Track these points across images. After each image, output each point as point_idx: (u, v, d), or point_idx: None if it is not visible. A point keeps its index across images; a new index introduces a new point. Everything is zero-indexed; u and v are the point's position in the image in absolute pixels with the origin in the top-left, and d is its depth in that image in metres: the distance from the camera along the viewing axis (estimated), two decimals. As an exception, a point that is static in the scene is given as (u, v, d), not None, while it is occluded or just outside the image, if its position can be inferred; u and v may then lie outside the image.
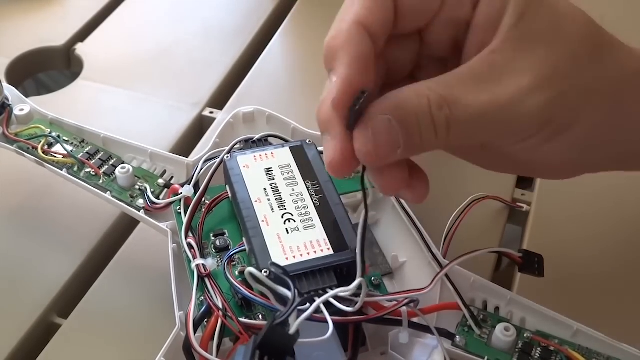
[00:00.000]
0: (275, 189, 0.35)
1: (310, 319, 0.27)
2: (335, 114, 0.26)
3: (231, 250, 0.34)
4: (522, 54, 0.26)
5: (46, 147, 0.41)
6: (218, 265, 0.34)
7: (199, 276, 0.33)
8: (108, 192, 0.39)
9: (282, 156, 0.37)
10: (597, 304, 0.39)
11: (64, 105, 0.52)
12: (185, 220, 0.35)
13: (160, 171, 0.41)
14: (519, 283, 0.40)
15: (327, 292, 0.30)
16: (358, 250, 0.30)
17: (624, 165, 0.32)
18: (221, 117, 0.51)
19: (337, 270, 0.32)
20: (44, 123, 0.42)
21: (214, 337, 0.30)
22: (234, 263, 0.34)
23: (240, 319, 0.30)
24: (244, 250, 0.34)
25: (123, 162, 0.40)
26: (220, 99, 0.55)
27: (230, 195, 0.36)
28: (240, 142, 0.39)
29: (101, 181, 0.39)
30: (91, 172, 0.40)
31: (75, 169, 0.40)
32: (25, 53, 0.58)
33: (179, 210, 0.37)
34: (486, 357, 0.32)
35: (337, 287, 0.30)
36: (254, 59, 0.58)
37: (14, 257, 0.42)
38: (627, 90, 0.28)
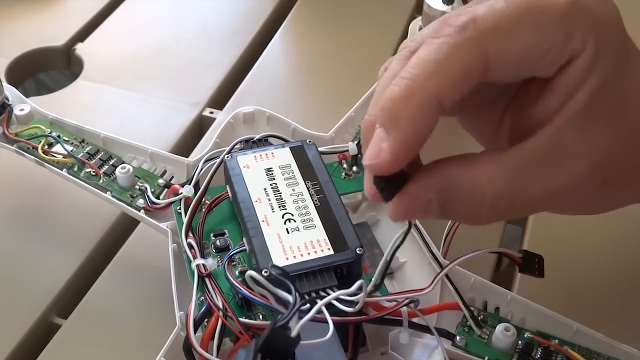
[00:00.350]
0: (276, 189, 0.35)
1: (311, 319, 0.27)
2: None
3: (231, 250, 0.34)
4: (584, 136, 0.24)
5: (46, 147, 0.41)
6: (218, 265, 0.34)
7: (199, 276, 0.33)
8: (108, 192, 0.39)
9: (283, 156, 0.37)
10: (597, 304, 0.39)
11: (64, 105, 0.52)
12: (185, 220, 0.35)
13: (161, 171, 0.40)
14: (519, 283, 0.40)
15: (327, 293, 0.30)
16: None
17: None
18: (221, 117, 0.51)
19: (337, 270, 0.32)
20: (44, 123, 0.42)
21: (214, 337, 0.30)
22: (234, 263, 0.34)
23: (241, 319, 0.30)
24: (244, 250, 0.34)
25: (123, 162, 0.40)
26: (220, 99, 0.55)
27: (230, 195, 0.36)
28: (240, 142, 0.39)
29: (101, 181, 0.39)
30: (91, 172, 0.40)
31: (76, 168, 0.40)
32: (26, 53, 0.58)
33: (179, 210, 0.37)
34: (486, 358, 0.32)
35: (338, 287, 0.30)
36: (254, 59, 0.58)
37: (14, 257, 0.42)
38: None
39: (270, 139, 0.40)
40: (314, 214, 0.34)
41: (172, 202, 0.37)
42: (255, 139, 0.39)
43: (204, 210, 0.36)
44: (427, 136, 0.24)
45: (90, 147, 0.41)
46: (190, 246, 0.34)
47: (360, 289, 0.29)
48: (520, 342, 0.32)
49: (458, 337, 0.32)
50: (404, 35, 0.45)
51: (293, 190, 0.35)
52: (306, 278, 0.31)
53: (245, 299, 0.32)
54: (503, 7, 0.23)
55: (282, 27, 0.62)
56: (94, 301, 0.39)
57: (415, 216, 0.25)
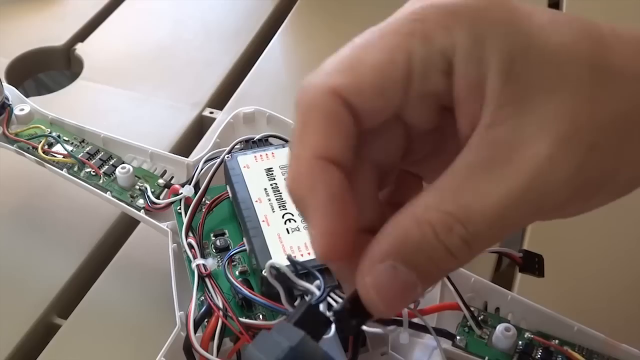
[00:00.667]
0: (276, 189, 0.35)
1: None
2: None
3: (231, 250, 0.34)
4: (525, 117, 0.20)
5: (46, 147, 0.41)
6: (218, 265, 0.34)
7: (199, 276, 0.33)
8: (108, 192, 0.39)
9: (283, 156, 0.37)
10: (597, 304, 0.39)
11: (64, 105, 0.52)
12: (185, 220, 0.35)
13: (161, 171, 0.40)
14: (519, 283, 0.40)
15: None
16: None
17: None
18: (221, 118, 0.51)
19: (337, 271, 0.32)
20: (44, 123, 0.42)
21: (214, 337, 0.30)
22: (234, 263, 0.34)
23: (241, 319, 0.30)
24: (245, 250, 0.34)
25: (123, 162, 0.40)
26: (220, 99, 0.55)
27: (230, 195, 0.36)
28: (240, 142, 0.39)
29: (101, 181, 0.39)
30: (91, 172, 0.40)
31: (76, 168, 0.40)
32: (26, 53, 0.58)
33: (180, 210, 0.37)
34: (486, 358, 0.32)
35: (338, 287, 0.30)
36: (254, 59, 0.58)
37: (14, 257, 0.42)
38: None
39: (271, 139, 0.40)
40: (314, 214, 0.34)
41: (172, 202, 0.37)
42: (255, 139, 0.39)
43: (204, 210, 0.36)
44: (345, 203, 0.21)
45: (90, 147, 0.41)
46: (191, 246, 0.34)
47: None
48: (520, 342, 0.32)
49: (458, 337, 0.32)
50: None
51: (293, 190, 0.35)
52: (306, 278, 0.31)
53: (246, 299, 0.32)
54: None
55: (282, 27, 0.62)
56: (94, 301, 0.39)
57: (396, 298, 0.21)
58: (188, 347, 0.30)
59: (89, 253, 0.42)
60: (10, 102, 0.43)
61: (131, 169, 0.39)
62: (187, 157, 0.41)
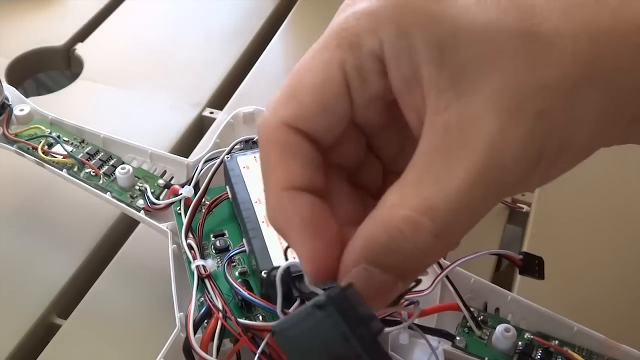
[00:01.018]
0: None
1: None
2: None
3: (231, 251, 0.34)
4: (468, 98, 0.20)
5: (46, 147, 0.41)
6: (218, 266, 0.34)
7: (199, 277, 0.33)
8: (108, 193, 0.39)
9: (282, 157, 0.37)
10: (597, 304, 0.39)
11: (64, 105, 0.52)
12: (185, 220, 0.35)
13: (161, 171, 0.40)
14: (519, 284, 0.40)
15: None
16: None
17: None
18: (221, 118, 0.51)
19: (337, 271, 0.32)
20: (44, 123, 0.42)
21: (213, 338, 0.30)
22: (234, 264, 0.34)
23: (240, 320, 0.30)
24: (244, 251, 0.34)
25: (123, 163, 0.40)
26: (220, 99, 0.55)
27: (230, 195, 0.36)
28: (240, 142, 0.39)
29: (101, 181, 0.39)
30: (91, 173, 0.40)
31: (75, 169, 0.40)
32: (26, 53, 0.58)
33: (179, 211, 0.37)
34: (486, 358, 0.32)
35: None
36: (254, 59, 0.58)
37: (14, 257, 0.42)
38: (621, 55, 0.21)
39: (270, 140, 0.40)
40: (314, 215, 0.34)
41: (172, 203, 0.37)
42: (255, 139, 0.39)
43: (203, 210, 0.36)
44: (322, 222, 0.22)
45: (90, 147, 0.41)
46: (190, 247, 0.34)
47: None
48: (520, 342, 0.32)
49: (458, 338, 0.32)
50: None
51: (293, 190, 0.35)
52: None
53: (245, 300, 0.32)
54: None
55: (282, 27, 0.62)
56: (94, 302, 0.39)
57: (378, 297, 0.22)
58: (188, 348, 0.30)
59: (89, 253, 0.42)
60: (10, 103, 0.43)
61: (131, 169, 0.39)
62: (187, 158, 0.41)
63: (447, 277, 0.33)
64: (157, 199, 0.38)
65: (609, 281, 0.40)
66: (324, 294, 0.21)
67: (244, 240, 0.34)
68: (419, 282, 0.29)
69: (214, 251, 0.35)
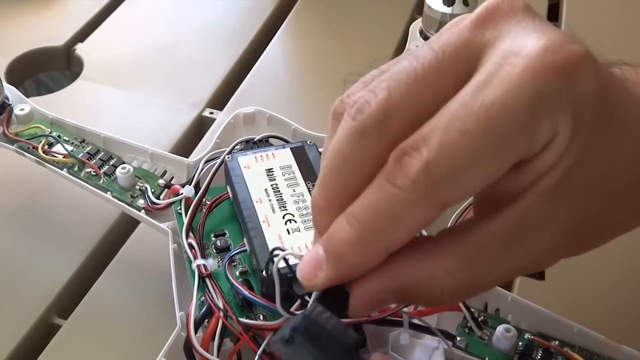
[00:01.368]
0: (276, 190, 0.35)
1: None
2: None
3: (232, 251, 0.34)
4: (554, 209, 0.22)
5: (46, 147, 0.41)
6: (219, 266, 0.34)
7: (199, 276, 0.33)
8: (108, 192, 0.39)
9: (283, 157, 0.37)
10: (597, 305, 0.39)
11: (64, 105, 0.52)
12: (186, 220, 0.35)
13: (161, 171, 0.40)
14: (519, 284, 0.40)
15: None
16: None
17: None
18: (221, 118, 0.51)
19: (337, 271, 0.32)
20: (44, 123, 0.42)
21: (214, 337, 0.30)
22: (235, 263, 0.34)
23: (241, 320, 0.30)
24: (245, 250, 0.34)
25: (123, 162, 0.40)
26: (220, 100, 0.55)
27: (231, 195, 0.36)
28: (241, 142, 0.39)
29: (101, 181, 0.39)
30: (91, 172, 0.40)
31: (76, 169, 0.40)
32: (26, 53, 0.58)
33: (180, 211, 0.37)
34: (487, 359, 0.32)
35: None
36: (254, 60, 0.58)
37: (14, 257, 0.42)
38: None
39: (271, 140, 0.40)
40: (315, 215, 0.34)
41: (172, 203, 0.37)
42: (255, 139, 0.39)
43: (204, 210, 0.36)
44: (369, 270, 0.23)
45: (90, 147, 0.41)
46: (191, 246, 0.34)
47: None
48: (520, 343, 0.32)
49: (458, 338, 0.32)
50: (404, 36, 0.45)
51: (294, 190, 0.35)
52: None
53: (246, 300, 0.32)
54: (457, 140, 0.20)
55: (282, 28, 0.62)
56: (94, 301, 0.39)
57: (372, 311, 0.25)
58: (188, 347, 0.30)
59: (89, 253, 0.42)
60: (11, 102, 0.43)
61: (131, 169, 0.39)
62: (187, 158, 0.41)
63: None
64: (158, 198, 0.38)
65: (609, 281, 0.40)
66: (287, 326, 0.22)
67: (244, 239, 0.34)
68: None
69: (214, 251, 0.35)
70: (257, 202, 0.34)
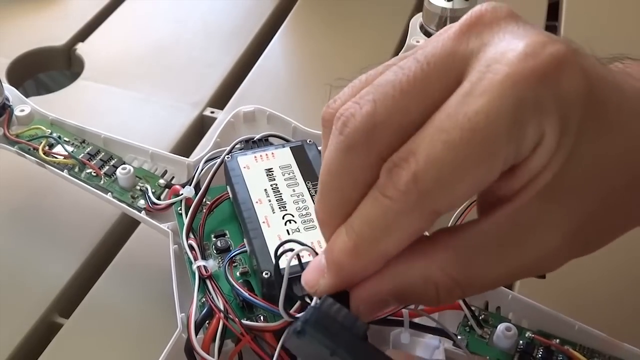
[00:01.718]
0: (276, 190, 0.35)
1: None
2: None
3: (232, 252, 0.34)
4: (551, 209, 0.22)
5: (47, 148, 0.41)
6: (219, 267, 0.34)
7: (200, 278, 0.33)
8: (109, 193, 0.39)
9: (283, 156, 0.37)
10: (598, 303, 0.39)
11: (64, 105, 0.52)
12: (186, 221, 0.35)
13: (161, 171, 0.40)
14: (520, 282, 0.40)
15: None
16: None
17: None
18: (222, 117, 0.51)
19: (338, 271, 0.32)
20: (44, 124, 0.42)
21: (215, 338, 0.30)
22: (235, 264, 0.34)
23: (242, 321, 0.30)
24: (245, 251, 0.34)
25: (124, 163, 0.40)
26: (221, 99, 0.55)
27: (231, 196, 0.36)
28: (240, 142, 0.39)
29: (102, 182, 0.39)
30: (92, 173, 0.40)
31: (76, 169, 0.40)
32: (26, 53, 0.58)
33: (180, 211, 0.37)
34: (487, 357, 0.32)
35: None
36: (254, 59, 0.58)
37: (16, 257, 0.42)
38: None
39: (271, 139, 0.40)
40: (315, 215, 0.34)
41: (173, 203, 0.37)
42: (255, 138, 0.39)
43: (204, 211, 0.36)
44: (369, 276, 0.24)
45: (90, 147, 0.41)
46: (191, 247, 0.34)
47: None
48: (521, 341, 0.32)
49: (459, 337, 0.32)
50: (405, 35, 0.45)
51: (293, 190, 0.35)
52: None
53: (246, 301, 0.32)
54: (443, 152, 0.21)
55: (283, 27, 0.62)
56: (95, 301, 0.39)
57: (373, 316, 0.25)
58: (189, 349, 0.30)
59: (90, 253, 0.42)
60: (11, 103, 0.43)
61: (132, 169, 0.39)
62: (187, 157, 0.41)
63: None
64: (158, 199, 0.38)
65: (610, 279, 0.40)
66: (299, 319, 0.23)
67: (244, 240, 0.34)
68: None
69: (215, 251, 0.35)
70: (257, 202, 0.34)
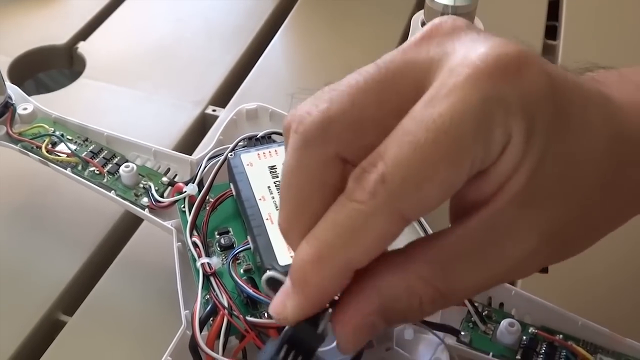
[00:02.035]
0: (279, 187, 0.35)
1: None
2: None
3: (236, 249, 0.34)
4: (526, 212, 0.22)
5: (50, 146, 0.41)
6: (223, 264, 0.34)
7: (204, 275, 0.33)
8: (112, 191, 0.39)
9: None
10: (601, 298, 0.39)
11: (66, 103, 0.53)
12: (190, 218, 0.35)
13: (164, 169, 0.41)
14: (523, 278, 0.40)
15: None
16: None
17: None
18: (224, 115, 0.51)
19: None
20: (47, 122, 0.42)
21: (220, 335, 0.30)
22: (239, 261, 0.34)
23: (246, 317, 0.30)
24: (249, 248, 0.34)
25: (127, 161, 0.40)
26: (223, 97, 0.55)
27: (234, 193, 0.36)
28: (243, 139, 0.39)
29: (105, 180, 0.39)
30: (95, 171, 0.40)
31: (79, 167, 0.40)
32: (28, 52, 0.58)
33: (184, 209, 0.37)
34: (491, 353, 0.32)
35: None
36: (256, 57, 0.58)
37: (20, 255, 0.42)
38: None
39: (274, 136, 0.40)
40: (318, 212, 0.34)
41: (176, 201, 0.37)
42: (258, 136, 0.39)
43: (208, 208, 0.36)
44: (338, 292, 0.23)
45: (93, 145, 0.41)
46: (195, 245, 0.34)
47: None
48: (524, 337, 0.32)
49: (462, 333, 0.32)
50: (405, 34, 0.45)
51: (297, 187, 0.35)
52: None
53: (250, 298, 0.32)
54: (409, 153, 0.20)
55: (284, 26, 0.62)
56: (99, 299, 0.40)
57: (364, 342, 0.23)
58: (194, 345, 0.30)
59: (93, 251, 0.42)
60: (14, 102, 0.43)
61: (135, 167, 0.39)
62: (190, 155, 0.41)
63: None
64: (161, 196, 0.38)
65: (613, 275, 0.40)
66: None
67: (248, 237, 0.34)
68: None
69: (218, 249, 0.35)
70: (260, 199, 0.34)
